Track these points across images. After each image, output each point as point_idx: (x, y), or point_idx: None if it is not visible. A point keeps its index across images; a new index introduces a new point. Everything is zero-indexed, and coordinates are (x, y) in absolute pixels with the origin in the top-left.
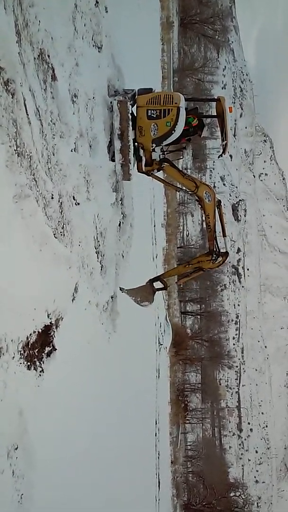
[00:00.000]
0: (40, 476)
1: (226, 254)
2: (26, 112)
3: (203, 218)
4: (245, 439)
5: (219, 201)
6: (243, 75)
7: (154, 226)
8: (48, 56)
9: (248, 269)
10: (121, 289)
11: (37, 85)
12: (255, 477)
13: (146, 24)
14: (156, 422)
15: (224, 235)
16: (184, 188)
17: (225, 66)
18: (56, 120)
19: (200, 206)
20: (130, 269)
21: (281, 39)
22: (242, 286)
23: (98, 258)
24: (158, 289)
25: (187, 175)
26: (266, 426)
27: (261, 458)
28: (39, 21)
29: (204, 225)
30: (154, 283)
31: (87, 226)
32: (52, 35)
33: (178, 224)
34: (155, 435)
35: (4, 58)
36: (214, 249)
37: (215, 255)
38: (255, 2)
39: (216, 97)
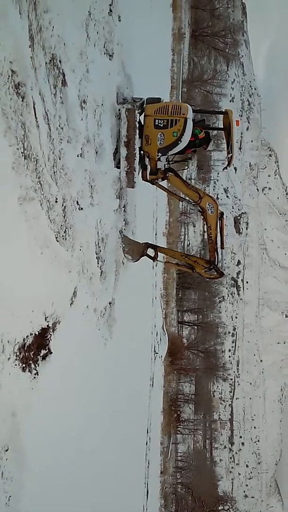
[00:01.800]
0: (29, 479)
1: (221, 274)
2: (35, 116)
3: (205, 229)
4: (236, 453)
5: (222, 213)
6: (252, 89)
7: (156, 234)
8: (60, 61)
9: (247, 282)
10: (120, 232)
11: (47, 90)
12: (244, 491)
13: (157, 34)
14: (147, 431)
15: (222, 247)
16: (187, 198)
17: (234, 79)
18: (64, 125)
19: (202, 217)
20: (129, 276)
21: None
22: (241, 299)
23: (98, 263)
24: (147, 255)
25: (191, 186)
26: (258, 441)
27: (251, 472)
28: (53, 27)
29: (205, 236)
30: (148, 248)
31: (89, 231)
32: (64, 41)
33: (180, 233)
34: (146, 444)
35: (16, 61)
36: (213, 261)
37: (212, 267)
38: (266, 18)
39: (223, 110)
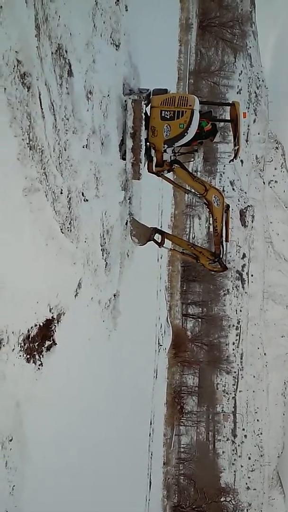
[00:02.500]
0: (33, 469)
1: (225, 268)
2: (41, 106)
3: (211, 222)
4: (238, 445)
5: (228, 206)
6: (259, 81)
7: (161, 227)
8: (66, 51)
9: (252, 275)
10: (130, 214)
11: (53, 80)
12: (246, 483)
13: (164, 25)
14: (151, 422)
15: (227, 240)
16: (193, 190)
17: (241, 71)
18: (69, 116)
19: (208, 209)
20: (134, 268)
21: None
22: (245, 292)
23: (103, 255)
24: (154, 240)
25: (197, 178)
26: (261, 433)
27: (253, 465)
28: (59, 16)
29: (211, 229)
30: (156, 234)
31: (94, 223)
32: (71, 30)
33: (185, 226)
34: (149, 435)
35: (22, 51)
36: (219, 254)
37: (216, 260)
38: (275, 9)
39: (230, 102)
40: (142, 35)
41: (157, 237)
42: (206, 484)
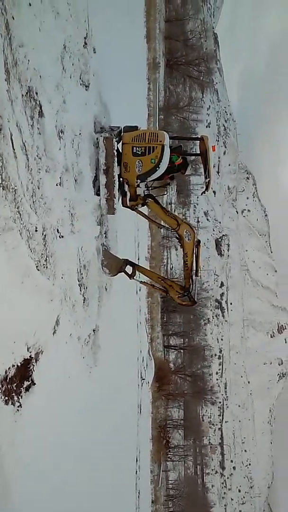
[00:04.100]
0: None
1: (194, 302)
2: (13, 147)
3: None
4: (227, 478)
5: (199, 241)
6: (227, 114)
7: (138, 259)
8: (36, 93)
9: (231, 303)
10: (102, 245)
11: (25, 121)
12: None
13: (133, 64)
14: (136, 459)
15: (196, 275)
16: (166, 225)
17: (209, 106)
18: (42, 155)
19: (179, 243)
20: (113, 302)
21: (263, 80)
22: (226, 320)
23: (80, 290)
24: (125, 272)
25: (169, 213)
26: (249, 464)
27: (244, 497)
28: (28, 60)
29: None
30: (127, 265)
31: (71, 258)
32: (40, 73)
33: (162, 257)
34: (136, 473)
35: None
36: (188, 288)
37: (185, 293)
38: (238, 46)
39: (199, 136)
40: (111, 74)
41: (129, 269)
42: None
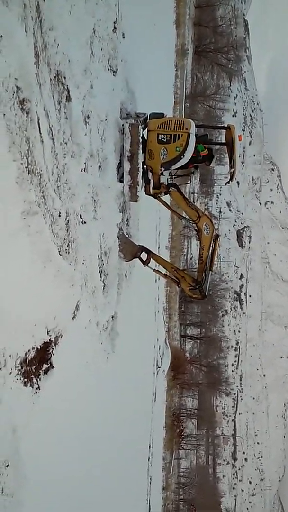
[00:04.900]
0: (30, 495)
1: (204, 296)
2: (39, 131)
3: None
4: (239, 469)
5: (217, 235)
6: (254, 104)
7: (159, 248)
8: (64, 77)
9: (250, 296)
10: (120, 229)
11: (52, 105)
12: (247, 508)
13: (161, 51)
14: (150, 446)
15: (210, 269)
16: (186, 216)
17: (236, 95)
18: (68, 140)
19: (197, 236)
20: (132, 289)
21: None
22: (244, 313)
23: (101, 277)
24: (140, 258)
25: (191, 204)
26: (261, 457)
27: (254, 489)
28: (58, 44)
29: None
30: (142, 252)
31: (92, 245)
32: (69, 57)
33: (182, 247)
34: (148, 459)
35: (21, 78)
36: (200, 282)
37: (197, 287)
38: (268, 34)
39: (226, 125)
40: (139, 60)
41: (144, 255)
42: (207, 510)
